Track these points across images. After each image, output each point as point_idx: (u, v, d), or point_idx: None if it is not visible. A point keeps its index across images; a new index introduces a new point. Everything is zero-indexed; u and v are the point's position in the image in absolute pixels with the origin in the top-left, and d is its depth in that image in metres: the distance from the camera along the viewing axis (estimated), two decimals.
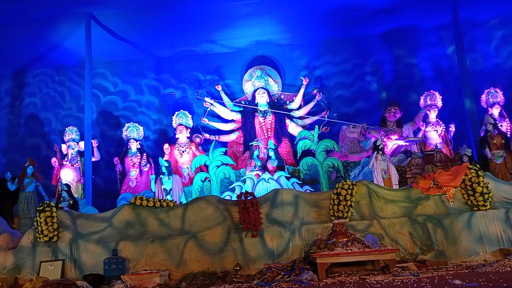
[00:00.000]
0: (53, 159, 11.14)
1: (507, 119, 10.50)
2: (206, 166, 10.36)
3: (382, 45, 12.66)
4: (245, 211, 7.00)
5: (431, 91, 11.14)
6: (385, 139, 10.08)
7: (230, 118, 12.19)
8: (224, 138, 12.03)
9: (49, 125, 12.88)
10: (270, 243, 6.84)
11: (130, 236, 7.09)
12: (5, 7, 9.98)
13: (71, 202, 8.58)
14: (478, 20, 12.08)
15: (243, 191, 7.58)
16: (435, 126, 10.59)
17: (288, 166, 10.59)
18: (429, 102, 10.91)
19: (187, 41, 12.31)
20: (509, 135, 9.93)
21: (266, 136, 11.50)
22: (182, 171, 11.09)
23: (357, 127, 10.75)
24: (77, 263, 6.91)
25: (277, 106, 12.01)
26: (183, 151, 11.30)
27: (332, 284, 5.27)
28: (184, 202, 8.94)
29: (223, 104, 12.21)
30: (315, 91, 11.96)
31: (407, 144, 10.47)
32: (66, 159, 11.07)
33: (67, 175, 10.66)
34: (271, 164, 9.92)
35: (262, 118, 11.76)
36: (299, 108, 12.05)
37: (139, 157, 11.14)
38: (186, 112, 11.83)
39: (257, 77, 12.13)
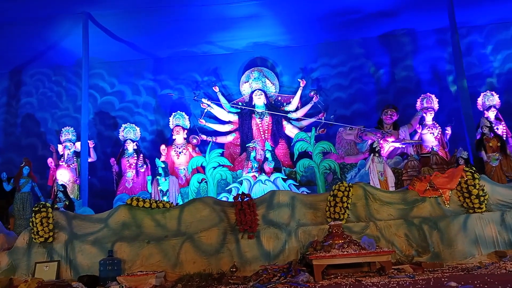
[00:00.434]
0: (49, 160, 11.10)
1: (503, 122, 10.56)
2: (203, 167, 10.35)
3: (379, 48, 12.71)
4: (241, 212, 7.00)
5: (428, 93, 11.20)
6: (381, 141, 10.11)
7: (227, 120, 12.19)
8: (221, 140, 12.03)
9: (45, 125, 12.85)
10: (267, 245, 6.83)
11: (126, 237, 7.07)
12: (1, 5, 9.95)
13: (67, 203, 8.55)
14: (475, 24, 12.18)
15: (240, 192, 7.57)
16: (432, 129, 10.64)
17: (285, 168, 10.60)
18: (425, 105, 10.96)
19: (185, 42, 12.32)
20: (505, 138, 9.98)
21: (263, 138, 11.50)
22: (178, 172, 11.08)
23: (354, 129, 10.78)
24: (73, 264, 6.88)
25: (274, 107, 12.03)
26: (179, 152, 11.29)
27: (328, 286, 5.27)
28: (181, 203, 8.93)
29: (220, 106, 12.21)
30: (312, 93, 11.98)
31: (404, 146, 10.50)
32: (62, 159, 11.02)
33: (63, 175, 10.62)
34: (268, 166, 9.92)
35: (259, 119, 11.77)
36: (296, 110, 12.07)
37: (136, 158, 11.12)
38: (183, 113, 11.82)
39: (254, 78, 12.15)
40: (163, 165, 9.72)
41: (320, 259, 5.92)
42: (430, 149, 10.04)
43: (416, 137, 10.74)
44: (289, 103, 12.18)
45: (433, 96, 11.09)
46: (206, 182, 10.07)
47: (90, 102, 11.82)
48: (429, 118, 10.76)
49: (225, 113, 12.18)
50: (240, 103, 12.23)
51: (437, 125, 10.76)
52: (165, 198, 9.22)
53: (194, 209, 7.32)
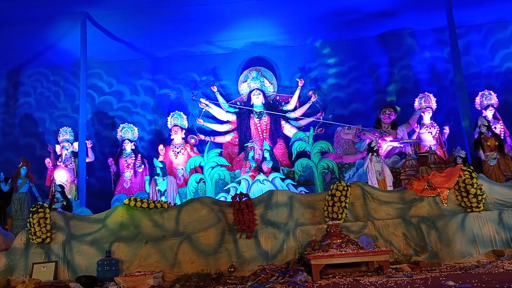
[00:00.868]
0: (47, 160, 11.08)
1: (500, 121, 10.58)
2: (201, 167, 10.34)
3: (378, 47, 12.71)
4: (239, 212, 6.98)
5: (426, 93, 11.20)
6: (379, 141, 10.11)
7: (225, 119, 12.18)
8: (219, 139, 12.03)
9: (43, 125, 12.83)
10: (265, 245, 6.82)
11: (124, 237, 7.05)
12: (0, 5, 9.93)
13: (65, 203, 8.54)
14: (473, 23, 12.19)
15: (238, 192, 7.56)
16: (430, 128, 10.65)
17: (283, 167, 10.60)
18: (423, 104, 10.97)
19: (183, 42, 12.31)
20: (502, 137, 9.99)
21: (261, 137, 11.50)
22: (176, 172, 11.07)
23: (352, 129, 10.79)
24: (70, 265, 6.85)
25: (273, 107, 12.02)
26: (178, 152, 11.28)
27: (326, 286, 5.26)
28: (179, 203, 8.92)
29: (218, 105, 12.20)
30: (310, 93, 11.98)
31: (402, 145, 10.51)
32: (60, 159, 11.01)
33: (61, 176, 10.60)
34: (266, 165, 9.92)
35: (258, 119, 11.77)
36: (295, 109, 12.07)
37: (134, 158, 11.10)
38: (181, 113, 11.82)
39: (252, 78, 12.15)
40: (161, 165, 9.71)
41: (318, 258, 5.91)
42: (428, 149, 10.05)
43: (414, 137, 10.75)
44: (288, 102, 12.18)
45: (431, 95, 11.11)
46: (204, 182, 10.06)
47: (88, 102, 11.80)
48: (427, 117, 10.78)
49: (223, 113, 12.17)
50: (238, 103, 12.22)
51: (435, 124, 10.77)
52: (163, 198, 9.21)
53: (192, 209, 7.30)
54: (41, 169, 11.34)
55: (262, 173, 9.72)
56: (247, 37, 12.24)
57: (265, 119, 11.76)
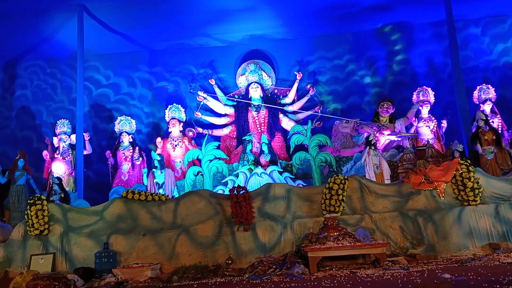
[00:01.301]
0: (45, 152, 11.05)
1: (498, 116, 10.60)
2: (199, 160, 10.34)
3: (375, 41, 12.69)
4: (237, 205, 7.00)
5: (424, 87, 11.20)
6: (377, 134, 10.13)
7: (223, 112, 12.16)
8: (217, 132, 12.01)
9: (40, 118, 12.78)
10: (262, 237, 6.85)
11: (122, 229, 7.07)
12: None
13: (63, 195, 8.53)
14: (471, 17, 12.17)
15: (236, 185, 7.57)
16: (427, 122, 10.66)
17: (281, 161, 10.60)
18: (421, 98, 10.97)
19: (181, 35, 12.25)
20: (500, 131, 10.01)
21: (259, 131, 11.50)
22: (174, 165, 11.06)
23: (350, 122, 10.80)
24: (68, 257, 6.88)
25: (271, 100, 12.00)
26: (175, 145, 11.27)
27: (323, 278, 5.29)
28: (177, 196, 8.92)
29: (216, 98, 12.18)
30: (308, 86, 11.97)
31: (399, 139, 10.52)
32: (57, 152, 10.98)
33: (59, 168, 10.58)
34: (264, 159, 9.92)
35: (256, 112, 11.75)
36: (293, 103, 12.05)
37: (131, 150, 11.09)
38: (179, 106, 11.78)
39: (250, 71, 12.11)
40: (159, 158, 9.70)
41: (315, 251, 5.94)
42: (426, 142, 10.06)
43: (412, 130, 10.77)
44: (286, 96, 12.16)
45: (429, 89, 11.10)
46: (202, 175, 10.06)
47: (85, 95, 11.76)
48: (425, 111, 10.79)
49: (221, 106, 12.14)
50: (236, 96, 12.20)
51: (433, 118, 10.78)
52: (161, 191, 9.21)
53: (190, 201, 7.32)
54: (38, 162, 11.32)
55: (260, 166, 9.73)
56: (245, 30, 12.19)
57: (263, 112, 11.75)
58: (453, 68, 10.56)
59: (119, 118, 11.64)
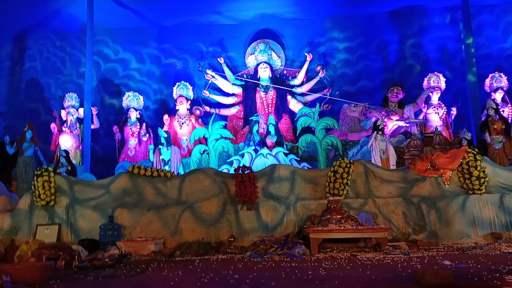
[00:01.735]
0: (52, 125, 11.14)
1: (509, 105, 10.45)
2: (205, 139, 10.37)
3: (388, 24, 12.46)
4: (241, 184, 7.03)
5: (435, 73, 11.04)
6: (385, 120, 10.05)
7: (231, 92, 12.11)
8: (224, 112, 11.99)
9: (49, 91, 12.83)
10: (265, 217, 6.90)
11: (127, 204, 7.14)
12: None
13: (69, 168, 8.62)
14: (487, 3, 11.87)
15: (241, 165, 7.60)
16: (437, 109, 10.55)
17: (287, 142, 10.59)
18: (432, 84, 10.83)
19: (191, 11, 12.12)
20: (510, 121, 9.89)
21: (267, 112, 11.46)
22: (181, 142, 11.11)
23: (358, 106, 10.71)
24: (73, 228, 6.98)
25: (279, 81, 11.91)
26: (182, 123, 11.29)
27: (323, 259, 5.33)
28: (182, 173, 8.98)
29: (224, 77, 12.11)
30: (318, 68, 11.84)
31: (408, 125, 10.44)
32: (65, 125, 11.06)
33: (66, 141, 10.67)
34: (270, 140, 9.92)
35: (264, 93, 11.68)
36: (301, 84, 11.95)
37: (139, 126, 11.14)
38: (187, 84, 11.75)
39: (260, 51, 11.99)
40: (166, 135, 9.74)
41: (317, 233, 5.98)
42: (434, 129, 9.98)
43: (421, 117, 10.67)
44: (295, 77, 12.05)
45: (440, 75, 10.94)
46: (208, 153, 10.10)
47: (93, 69, 11.74)
48: (435, 97, 10.65)
49: (229, 85, 12.09)
50: (245, 76, 12.12)
51: (443, 105, 10.66)
52: (166, 168, 9.28)
53: (195, 179, 7.36)
54: (46, 134, 11.41)
55: (266, 147, 9.73)
56: (256, 8, 12.02)
57: (271, 93, 11.68)
58: (466, 55, 10.37)
59: (127, 93, 11.65)
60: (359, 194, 7.14)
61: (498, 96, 10.38)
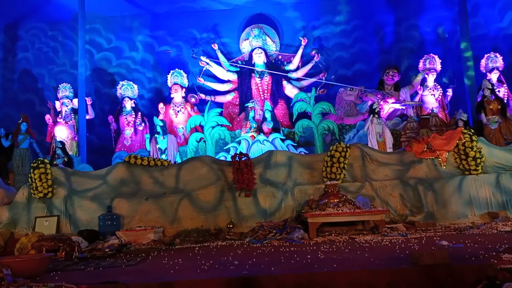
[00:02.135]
0: (47, 116, 11.07)
1: (505, 85, 10.45)
2: (201, 127, 10.33)
3: (384, 6, 12.35)
4: (239, 171, 7.04)
5: (431, 54, 10.99)
6: (381, 102, 10.04)
7: (226, 79, 12.03)
8: (219, 99, 11.94)
9: (42, 81, 12.71)
10: (263, 203, 6.92)
11: (125, 193, 7.14)
12: None
13: (66, 159, 8.60)
14: None
15: (238, 152, 7.58)
16: (433, 90, 10.54)
17: (283, 128, 10.59)
18: (428, 66, 10.79)
19: None
20: (506, 101, 9.89)
21: (262, 98, 11.41)
22: (177, 131, 11.07)
23: (354, 90, 10.68)
24: (72, 219, 6.99)
25: (275, 67, 11.84)
26: (178, 111, 11.24)
27: (322, 243, 5.37)
28: (179, 161, 8.98)
29: (219, 64, 12.01)
30: (313, 52, 11.77)
31: (404, 107, 10.44)
32: (60, 116, 10.99)
33: (61, 132, 10.62)
34: (267, 126, 9.90)
35: (259, 79, 11.62)
36: (297, 69, 11.89)
37: (134, 116, 11.09)
38: (182, 71, 11.67)
39: (254, 36, 11.88)
40: (161, 124, 9.70)
41: (315, 217, 6.00)
42: (430, 111, 9.98)
43: (417, 99, 10.66)
44: (290, 62, 11.98)
45: (436, 57, 10.90)
46: (204, 141, 10.08)
47: (86, 58, 11.62)
48: (431, 79, 10.63)
49: (224, 72, 12.00)
50: (239, 62, 12.03)
51: (439, 86, 10.65)
52: (163, 156, 9.26)
53: (192, 167, 7.35)
54: (41, 125, 11.34)
55: (262, 134, 9.72)
56: None
57: (267, 79, 11.61)
58: (462, 36, 10.31)
59: (121, 83, 11.57)
60: (356, 177, 7.16)
61: (494, 76, 10.37)
